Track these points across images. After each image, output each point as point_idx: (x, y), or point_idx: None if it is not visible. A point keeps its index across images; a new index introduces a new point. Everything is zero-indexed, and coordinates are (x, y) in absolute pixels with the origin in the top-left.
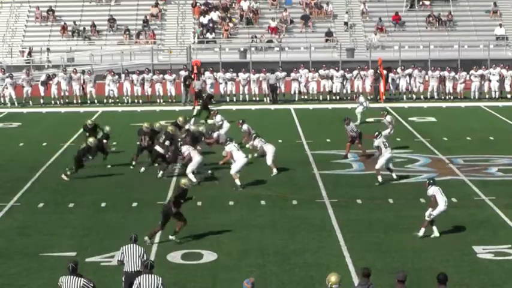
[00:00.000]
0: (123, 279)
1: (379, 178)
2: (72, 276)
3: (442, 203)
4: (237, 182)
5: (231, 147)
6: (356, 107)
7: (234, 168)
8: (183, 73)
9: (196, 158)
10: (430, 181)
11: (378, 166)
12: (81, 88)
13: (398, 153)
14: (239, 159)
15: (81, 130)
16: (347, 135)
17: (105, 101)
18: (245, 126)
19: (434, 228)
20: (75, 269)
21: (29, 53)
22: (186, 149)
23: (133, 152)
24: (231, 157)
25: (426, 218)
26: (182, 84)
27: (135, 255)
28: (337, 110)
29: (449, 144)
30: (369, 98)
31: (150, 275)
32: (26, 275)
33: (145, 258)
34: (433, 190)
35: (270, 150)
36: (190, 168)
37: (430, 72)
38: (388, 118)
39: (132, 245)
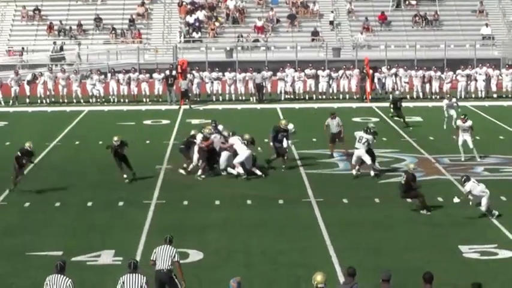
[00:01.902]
0: (154, 277)
1: (353, 172)
2: (59, 275)
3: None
4: (240, 170)
5: (235, 140)
6: (446, 108)
7: (238, 159)
8: (167, 73)
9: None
10: (464, 177)
11: (352, 162)
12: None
13: (385, 152)
14: (242, 151)
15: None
16: (328, 133)
17: (90, 100)
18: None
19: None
20: (63, 267)
21: (21, 53)
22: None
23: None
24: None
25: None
26: (166, 84)
27: (166, 255)
28: (324, 109)
29: (436, 144)
30: (354, 97)
31: (134, 274)
32: (12, 275)
33: (176, 258)
34: (470, 186)
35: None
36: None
37: (413, 72)
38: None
39: (164, 245)
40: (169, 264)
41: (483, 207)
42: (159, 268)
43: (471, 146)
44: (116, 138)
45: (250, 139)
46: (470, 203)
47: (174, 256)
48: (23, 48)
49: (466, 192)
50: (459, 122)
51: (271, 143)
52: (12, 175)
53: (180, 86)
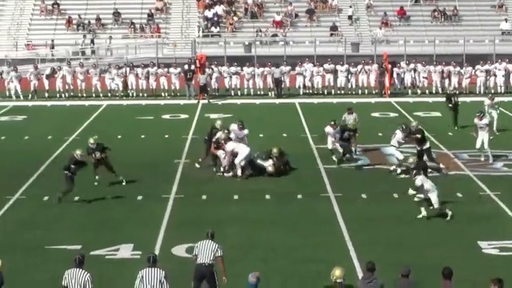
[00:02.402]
0: (194, 271)
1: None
2: (78, 269)
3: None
4: (239, 172)
5: (233, 144)
6: (488, 108)
7: (239, 158)
8: (185, 67)
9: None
10: (416, 172)
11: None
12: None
13: (404, 147)
14: (242, 149)
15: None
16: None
17: (109, 94)
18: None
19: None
20: (82, 261)
21: (52, 46)
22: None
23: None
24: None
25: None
26: (184, 78)
27: (208, 250)
28: (342, 104)
29: (455, 139)
30: (373, 92)
31: (153, 268)
32: (31, 269)
33: (219, 253)
34: (420, 180)
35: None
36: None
37: (432, 67)
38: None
39: (206, 240)
40: (211, 259)
41: (435, 205)
42: (200, 262)
43: (486, 146)
44: (91, 141)
45: (277, 153)
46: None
47: (217, 251)
48: (52, 41)
49: (417, 186)
50: (475, 120)
51: (335, 141)
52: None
53: (199, 81)
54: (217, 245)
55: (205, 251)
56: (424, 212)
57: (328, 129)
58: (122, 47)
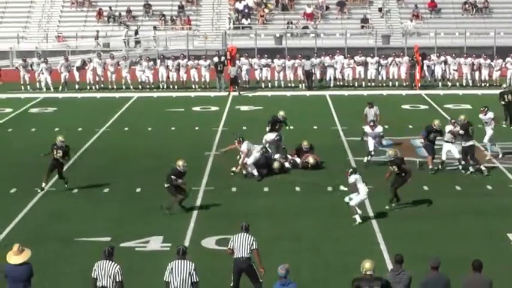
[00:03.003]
0: (233, 265)
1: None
2: (107, 261)
3: (363, 191)
4: (255, 172)
5: (245, 145)
6: None
7: (251, 159)
8: (216, 59)
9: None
10: (352, 170)
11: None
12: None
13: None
14: (253, 152)
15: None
16: (365, 121)
17: (140, 86)
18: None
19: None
20: (112, 253)
21: (96, 37)
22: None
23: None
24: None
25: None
26: (215, 70)
27: (245, 243)
28: (373, 96)
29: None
30: (404, 84)
31: (182, 261)
32: (61, 260)
33: (254, 246)
34: (354, 178)
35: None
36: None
37: (462, 60)
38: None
39: (242, 233)
40: (248, 252)
41: (352, 202)
42: (238, 256)
43: (485, 140)
44: (61, 138)
45: (308, 145)
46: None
47: (252, 244)
48: (97, 32)
49: (350, 183)
50: (480, 115)
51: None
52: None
53: (230, 73)
54: (252, 238)
55: (242, 245)
56: (358, 220)
57: (367, 129)
58: (153, 39)
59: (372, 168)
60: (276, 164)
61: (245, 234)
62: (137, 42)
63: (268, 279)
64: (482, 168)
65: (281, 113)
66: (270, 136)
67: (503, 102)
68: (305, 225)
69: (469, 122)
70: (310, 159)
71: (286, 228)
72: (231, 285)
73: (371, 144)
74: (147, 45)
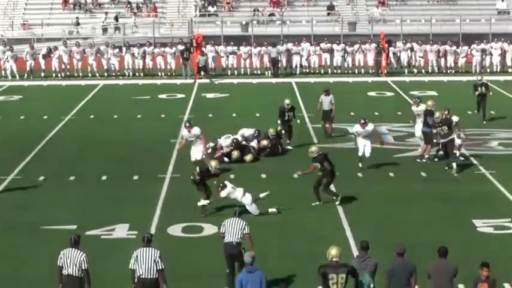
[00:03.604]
0: (223, 248)
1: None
2: (73, 249)
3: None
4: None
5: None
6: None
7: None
8: (180, 47)
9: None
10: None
11: None
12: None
13: (399, 126)
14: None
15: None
16: (320, 110)
17: (105, 74)
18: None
19: None
20: (78, 241)
21: (77, 23)
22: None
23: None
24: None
25: None
26: (181, 58)
27: (236, 228)
28: (339, 83)
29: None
30: (370, 71)
31: (148, 248)
32: (28, 248)
33: (246, 231)
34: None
35: None
36: None
37: (428, 47)
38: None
39: (233, 218)
40: (239, 237)
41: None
42: (228, 241)
43: (417, 134)
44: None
45: (274, 133)
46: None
47: (244, 228)
48: (77, 18)
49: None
50: (413, 107)
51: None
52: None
53: (198, 62)
54: (244, 223)
55: (233, 230)
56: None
57: (357, 128)
58: (118, 27)
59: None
60: (249, 157)
61: (237, 219)
62: (117, 28)
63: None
64: (454, 166)
65: (286, 101)
66: (247, 132)
67: (477, 93)
68: (271, 214)
69: (448, 118)
70: (264, 142)
71: (252, 216)
72: (227, 271)
73: (361, 146)
74: (113, 33)
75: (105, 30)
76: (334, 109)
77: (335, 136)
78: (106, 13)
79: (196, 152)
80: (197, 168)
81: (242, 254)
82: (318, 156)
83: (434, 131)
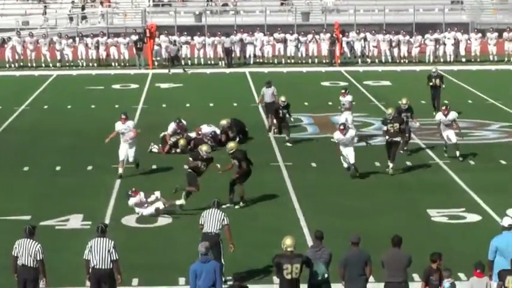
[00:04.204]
0: (200, 238)
1: None
2: (28, 239)
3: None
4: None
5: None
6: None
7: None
8: (134, 37)
9: None
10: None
11: None
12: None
13: (354, 116)
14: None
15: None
16: (262, 102)
17: (58, 64)
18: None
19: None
20: (33, 232)
21: (44, 12)
22: None
23: None
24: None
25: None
26: (134, 48)
27: (214, 219)
28: (292, 73)
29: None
30: (323, 61)
31: (102, 239)
32: None
33: (226, 221)
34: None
35: None
36: None
37: (381, 36)
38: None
39: (212, 209)
40: (218, 228)
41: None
42: (206, 231)
43: (350, 122)
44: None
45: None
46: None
47: (224, 219)
48: (45, 7)
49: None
50: (340, 97)
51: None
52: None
53: (170, 52)
54: (223, 214)
55: (212, 220)
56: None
57: (337, 135)
58: (72, 17)
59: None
60: (204, 147)
61: (216, 210)
62: (83, 17)
63: (190, 257)
64: (391, 165)
65: (282, 99)
66: (206, 129)
67: (430, 84)
68: (226, 202)
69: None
70: (181, 141)
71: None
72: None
73: (350, 155)
74: (66, 23)
75: (71, 19)
76: (277, 100)
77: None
78: (73, 2)
79: (124, 150)
80: (189, 158)
81: (219, 245)
82: (235, 152)
83: (385, 128)
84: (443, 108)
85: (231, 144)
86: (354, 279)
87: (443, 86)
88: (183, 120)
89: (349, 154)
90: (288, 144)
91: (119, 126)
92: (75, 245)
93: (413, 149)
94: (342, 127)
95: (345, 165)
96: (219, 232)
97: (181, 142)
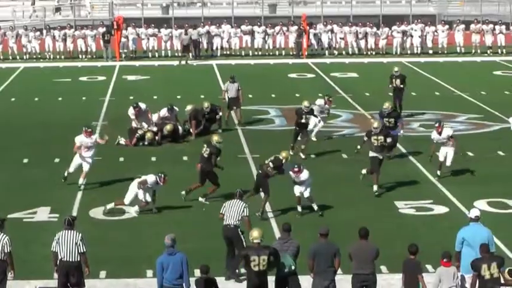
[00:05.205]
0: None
1: None
2: None
3: None
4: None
5: None
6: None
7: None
8: (101, 29)
9: None
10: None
11: None
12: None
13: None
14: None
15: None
16: (226, 97)
17: (25, 57)
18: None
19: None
20: (2, 225)
21: (33, 2)
22: None
23: None
24: None
25: None
26: (101, 40)
27: (235, 210)
28: (259, 65)
29: (372, 100)
30: (291, 53)
31: (69, 231)
32: None
33: (245, 213)
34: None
35: None
36: None
37: (347, 28)
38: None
39: (235, 199)
40: (238, 219)
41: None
42: (225, 223)
43: (312, 127)
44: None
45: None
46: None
47: (243, 211)
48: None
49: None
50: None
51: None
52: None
53: (182, 41)
54: (244, 205)
55: (232, 212)
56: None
57: (293, 175)
58: (39, 9)
59: (263, 134)
60: (168, 127)
61: (238, 201)
62: (57, 9)
63: (154, 247)
64: (364, 172)
65: (305, 103)
66: (163, 112)
67: (390, 86)
68: (194, 194)
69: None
70: (167, 127)
71: (173, 198)
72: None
73: (297, 193)
74: (35, 16)
75: (57, 9)
76: (242, 95)
77: (245, 123)
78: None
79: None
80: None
81: (239, 237)
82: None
83: (365, 139)
84: (437, 125)
85: (216, 138)
86: (323, 271)
87: (403, 86)
88: (175, 108)
89: (305, 192)
90: (302, 156)
91: (84, 140)
92: (42, 237)
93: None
94: (296, 169)
95: (299, 209)
96: (238, 224)
97: (148, 135)
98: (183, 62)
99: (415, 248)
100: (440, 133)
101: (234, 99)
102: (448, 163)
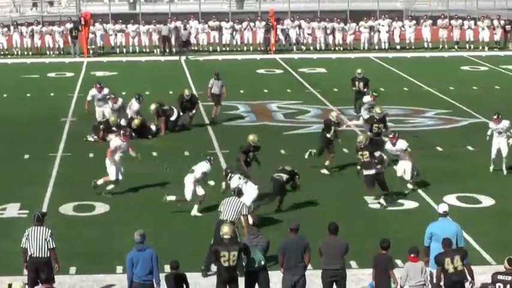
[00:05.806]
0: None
1: None
2: None
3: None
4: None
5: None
6: None
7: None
8: (69, 25)
9: None
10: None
11: None
12: None
13: (289, 104)
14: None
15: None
16: (210, 94)
17: None
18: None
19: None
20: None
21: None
22: None
23: None
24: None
25: None
26: (69, 36)
27: (232, 208)
28: (227, 61)
29: (340, 95)
30: (258, 49)
31: (39, 227)
32: None
33: (244, 211)
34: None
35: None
36: None
37: (315, 24)
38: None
39: (233, 197)
40: (234, 217)
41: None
42: (222, 218)
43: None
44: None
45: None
46: None
47: (242, 209)
48: None
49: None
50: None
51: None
52: None
53: (181, 36)
54: (242, 203)
55: (229, 209)
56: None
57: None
58: (6, 5)
59: (232, 130)
60: (136, 121)
61: (236, 199)
62: (34, 4)
63: (125, 246)
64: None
65: (332, 114)
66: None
67: (354, 89)
68: (160, 190)
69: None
70: (136, 121)
71: (145, 196)
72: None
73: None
74: (1, 12)
75: (34, 5)
76: (225, 92)
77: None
78: None
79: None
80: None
81: (235, 232)
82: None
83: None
84: (391, 136)
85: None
86: (293, 266)
87: (366, 90)
88: (165, 106)
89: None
90: (326, 172)
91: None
92: (12, 233)
93: (350, 136)
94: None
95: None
96: (234, 221)
97: (136, 122)
98: (183, 58)
99: (387, 243)
100: (394, 144)
101: (217, 96)
102: (408, 177)
